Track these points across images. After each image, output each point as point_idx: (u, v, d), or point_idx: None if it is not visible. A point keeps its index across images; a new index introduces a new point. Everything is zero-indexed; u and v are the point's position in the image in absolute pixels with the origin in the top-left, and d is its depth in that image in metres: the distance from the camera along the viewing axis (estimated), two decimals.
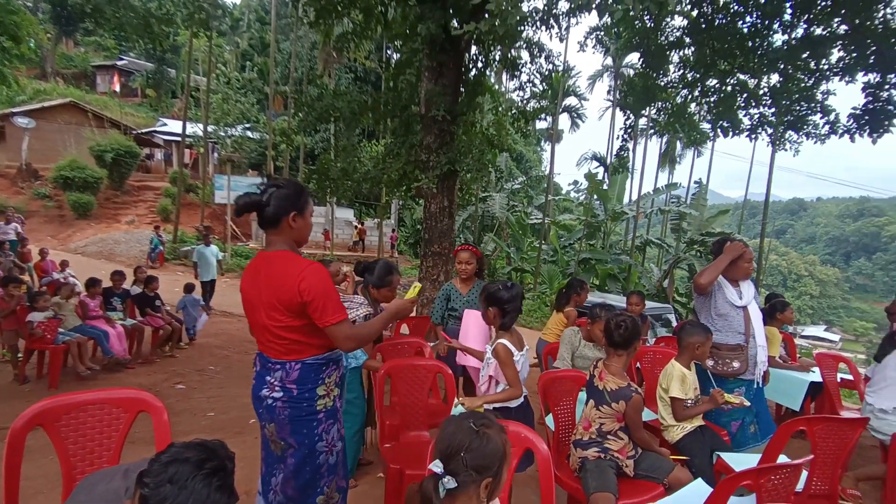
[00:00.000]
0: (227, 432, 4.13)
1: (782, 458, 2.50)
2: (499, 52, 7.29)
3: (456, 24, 5.73)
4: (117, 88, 31.70)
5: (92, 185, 19.92)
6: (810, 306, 55.28)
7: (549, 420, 3.01)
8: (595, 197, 22.49)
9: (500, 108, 8.71)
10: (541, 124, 29.99)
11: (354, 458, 3.16)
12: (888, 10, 6.84)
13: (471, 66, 7.23)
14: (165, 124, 26.49)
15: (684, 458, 2.79)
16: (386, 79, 8.56)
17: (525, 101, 8.23)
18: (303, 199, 1.99)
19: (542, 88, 8.23)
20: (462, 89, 6.94)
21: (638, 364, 4.15)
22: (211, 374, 6.10)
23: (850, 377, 4.53)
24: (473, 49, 7.04)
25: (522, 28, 6.32)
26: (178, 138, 20.67)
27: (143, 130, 26.18)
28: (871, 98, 7.36)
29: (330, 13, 6.89)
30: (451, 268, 6.97)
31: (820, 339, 38.45)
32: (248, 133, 24.41)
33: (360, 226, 24.34)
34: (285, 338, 1.92)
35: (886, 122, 7.32)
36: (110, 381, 5.44)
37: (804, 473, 2.21)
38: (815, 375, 4.41)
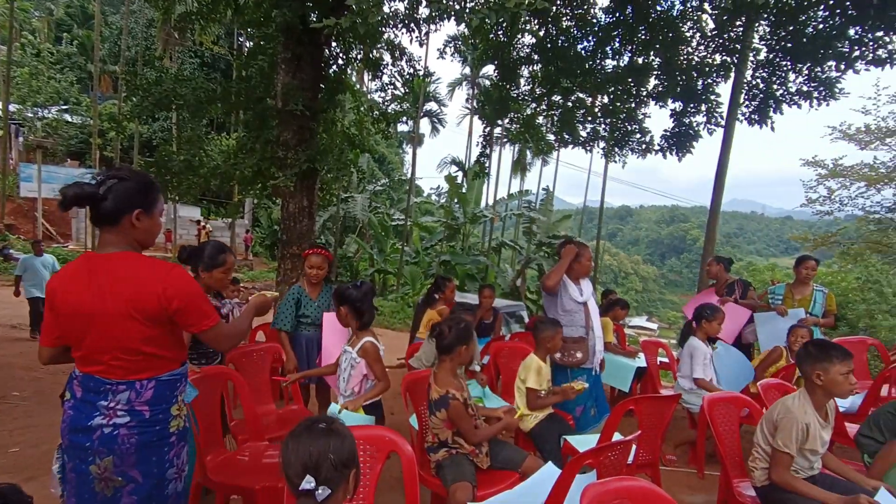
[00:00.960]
0: (34, 471, 3.45)
1: (617, 436, 2.80)
2: (360, 51, 7.18)
3: (314, 18, 5.51)
4: None
5: None
6: (635, 300, 63.71)
7: (413, 420, 3.01)
8: (455, 200, 23.40)
9: (361, 108, 8.59)
10: (402, 127, 30.41)
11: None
12: (689, 48, 8.17)
13: (331, 62, 7.02)
14: None
15: None
16: (237, 67, 7.94)
17: (387, 103, 8.23)
18: (151, 196, 1.72)
19: (403, 91, 8.31)
20: (322, 85, 6.70)
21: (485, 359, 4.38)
22: (15, 402, 5.07)
23: (667, 360, 5.29)
24: (334, 45, 6.84)
25: (384, 29, 6.31)
26: None
27: None
28: (677, 123, 8.73)
29: None
30: None
31: (642, 328, 44.47)
32: (67, 116, 20.92)
33: (202, 225, 22.10)
34: (143, 352, 1.65)
35: (689, 144, 8.74)
36: None
37: (633, 447, 2.49)
38: (641, 361, 5.06)
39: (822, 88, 7.40)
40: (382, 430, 2.15)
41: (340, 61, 7.19)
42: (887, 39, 6.39)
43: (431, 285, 5.37)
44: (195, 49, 23.81)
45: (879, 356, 5.36)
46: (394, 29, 6.18)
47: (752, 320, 4.89)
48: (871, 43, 6.52)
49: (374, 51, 7.34)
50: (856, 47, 6.68)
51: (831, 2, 6.44)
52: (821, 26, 6.80)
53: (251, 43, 8.05)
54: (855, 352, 3.01)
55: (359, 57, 7.31)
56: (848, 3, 6.24)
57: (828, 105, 7.54)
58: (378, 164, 31.46)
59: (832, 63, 7.06)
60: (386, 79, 7.79)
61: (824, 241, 9.53)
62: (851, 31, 6.58)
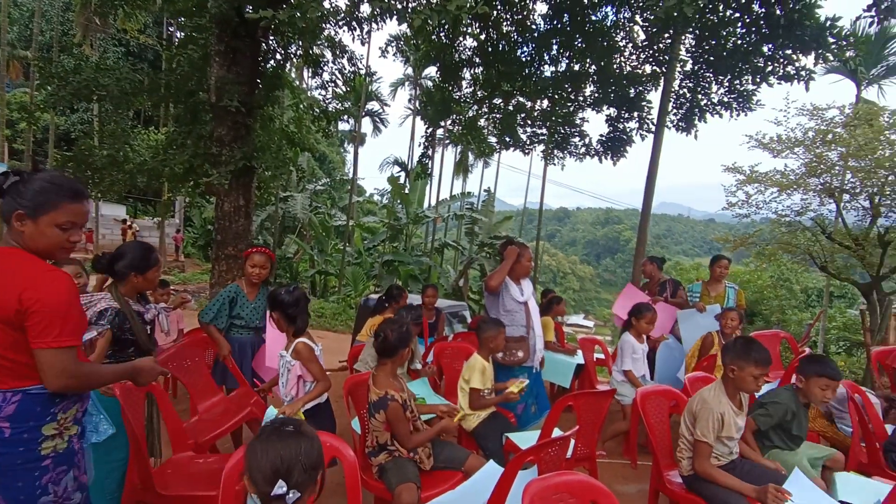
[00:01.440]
0: None
1: (557, 432, 2.87)
2: (300, 47, 6.99)
3: (250, 9, 5.30)
4: None
5: None
6: (573, 299, 65.94)
7: (356, 423, 2.96)
8: (398, 201, 23.29)
9: (301, 106, 8.38)
10: (344, 126, 29.88)
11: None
12: (622, 58, 8.56)
13: (269, 56, 6.79)
14: None
15: None
16: (166, 58, 7.52)
17: (328, 101, 8.07)
18: (40, 199, 1.52)
19: (344, 90, 8.17)
20: (259, 81, 6.47)
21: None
22: None
23: (603, 356, 5.49)
24: (272, 39, 6.62)
25: (325, 25, 6.18)
26: None
27: None
28: (612, 128, 9.13)
29: None
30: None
31: (580, 326, 46.12)
32: None
33: (128, 224, 20.66)
34: (7, 358, 1.46)
35: (622, 148, 9.17)
36: None
37: (572, 441, 2.57)
38: (580, 358, 5.23)
39: (740, 100, 7.99)
40: (323, 436, 2.09)
41: (279, 56, 6.97)
42: (795, 57, 6.99)
43: (385, 293, 5.33)
44: (119, 37, 22.33)
45: (790, 348, 5.83)
46: (335, 26, 6.07)
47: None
48: (781, 60, 7.12)
49: (315, 47, 7.17)
50: (769, 63, 7.26)
51: (748, 20, 6.96)
52: (739, 42, 7.34)
53: (182, 34, 7.63)
54: (769, 345, 3.26)
55: (298, 53, 7.12)
56: (762, 22, 6.76)
57: (745, 115, 8.14)
58: (319, 162, 30.76)
59: (749, 77, 7.64)
60: (326, 76, 7.64)
61: (743, 242, 10.23)
62: (765, 48, 7.14)
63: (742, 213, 9.64)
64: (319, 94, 8.06)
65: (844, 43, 6.53)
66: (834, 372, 2.68)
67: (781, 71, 7.19)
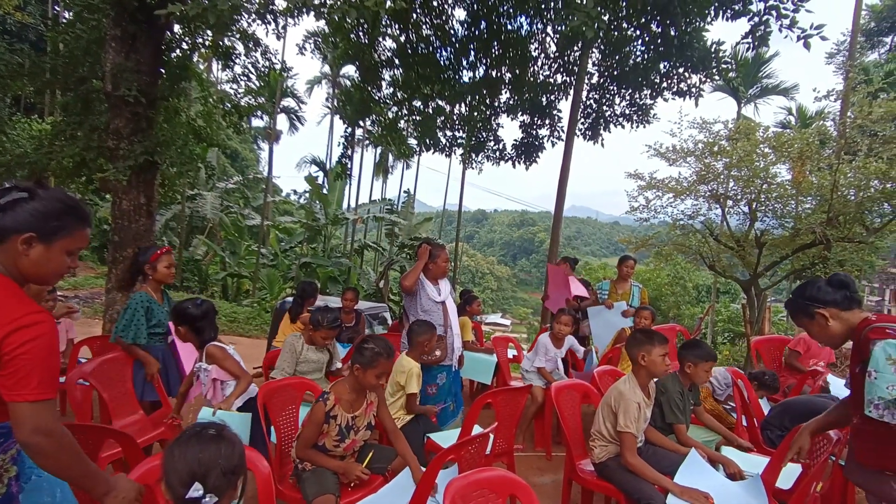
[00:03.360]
0: None
1: (477, 429, 2.96)
2: (208, 38, 6.59)
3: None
4: None
5: None
6: (491, 298, 67.67)
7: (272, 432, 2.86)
8: (316, 201, 22.64)
9: (210, 99, 7.90)
10: (258, 122, 28.57)
11: None
12: (536, 66, 8.94)
13: (174, 45, 6.34)
14: None
15: None
16: (51, 40, 6.78)
17: (239, 96, 7.67)
18: (58, 223, 1.39)
19: (258, 85, 7.82)
20: (163, 71, 6.03)
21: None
22: None
23: (517, 353, 5.71)
24: (177, 27, 6.19)
25: (237, 17, 5.88)
26: None
27: None
28: (525, 134, 9.50)
29: None
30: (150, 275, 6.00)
31: (497, 325, 47.42)
32: None
33: None
34: None
35: (535, 154, 9.57)
36: None
37: (491, 437, 2.66)
38: None
39: (639, 112, 8.64)
40: None
41: (185, 46, 6.53)
42: (686, 75, 7.71)
43: (298, 291, 5.22)
44: None
45: (685, 339, 6.40)
46: (248, 19, 5.79)
47: (587, 315, 5.54)
48: (675, 77, 7.81)
49: (226, 39, 6.80)
50: (664, 80, 7.94)
51: (647, 38, 7.56)
52: (639, 59, 7.95)
53: (71, 14, 6.92)
54: (667, 337, 3.56)
55: (207, 43, 6.71)
56: (659, 41, 7.37)
57: (644, 127, 8.82)
58: (230, 160, 29.14)
59: (647, 91, 8.30)
60: (238, 70, 7.25)
61: (643, 244, 11.07)
62: (662, 66, 7.79)
63: (643, 217, 10.42)
64: (231, 87, 7.64)
65: (726, 65, 7.30)
66: (713, 353, 3.07)
67: (675, 87, 7.91)
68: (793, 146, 8.41)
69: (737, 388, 3.65)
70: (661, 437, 2.89)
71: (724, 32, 10.01)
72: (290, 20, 6.34)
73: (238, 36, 6.79)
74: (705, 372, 2.97)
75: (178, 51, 6.45)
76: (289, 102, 29.41)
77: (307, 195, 26.14)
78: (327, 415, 2.42)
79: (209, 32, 6.28)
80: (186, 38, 6.46)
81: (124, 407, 3.21)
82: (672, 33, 7.05)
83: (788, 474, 2.53)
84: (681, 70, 7.68)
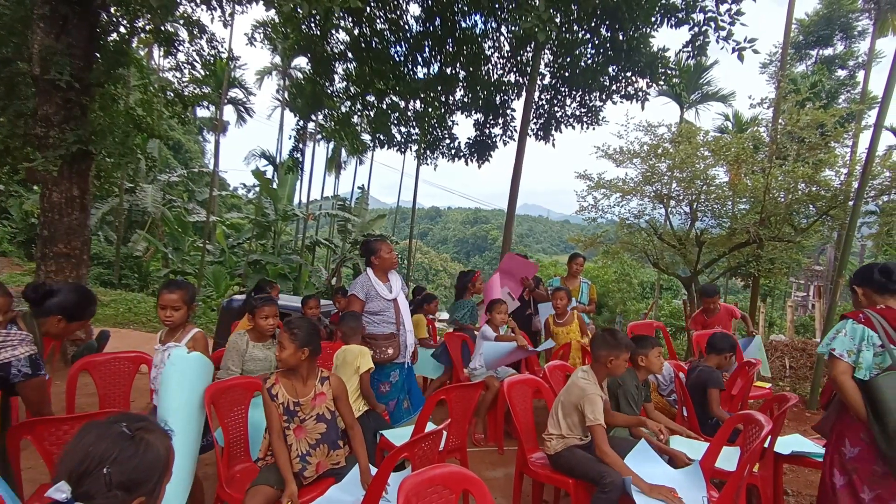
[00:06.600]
0: None
1: (431, 426, 2.95)
2: (149, 22, 6.24)
3: None
4: None
5: None
6: (445, 295, 68.02)
7: (219, 434, 2.75)
8: (265, 196, 21.97)
9: (150, 87, 7.50)
10: (203, 112, 27.44)
11: None
12: (490, 65, 9.02)
13: (110, 28, 5.98)
14: None
15: None
16: None
17: (183, 84, 7.31)
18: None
19: (203, 73, 7.48)
20: (98, 55, 5.67)
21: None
22: None
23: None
24: (113, 10, 5.83)
25: (180, 2, 5.62)
26: None
27: None
28: (479, 132, 9.57)
29: None
30: (84, 272, 5.65)
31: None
32: None
33: None
34: None
35: (488, 153, 9.67)
36: None
37: (444, 434, 2.66)
38: None
39: (589, 114, 8.88)
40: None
41: (123, 30, 6.16)
42: (633, 79, 7.99)
43: (254, 288, 5.06)
44: None
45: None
46: (191, 3, 5.53)
47: (538, 311, 5.66)
48: (623, 81, 8.08)
49: (168, 24, 6.47)
50: (613, 83, 8.20)
51: (596, 41, 7.78)
52: (590, 62, 8.16)
53: None
54: (634, 345, 3.78)
55: (147, 28, 6.36)
56: (608, 45, 7.60)
57: (594, 129, 9.07)
58: (173, 151, 27.80)
59: (597, 94, 8.54)
60: (182, 57, 6.91)
61: (592, 242, 11.42)
62: (611, 70, 8.04)
63: (591, 216, 10.75)
64: (174, 76, 7.26)
65: (671, 71, 7.63)
66: (656, 340, 3.33)
67: (623, 91, 8.18)
68: (730, 150, 8.90)
69: (678, 381, 3.83)
70: (621, 415, 3.01)
71: (669, 40, 10.45)
72: (237, 7, 6.11)
73: (182, 22, 6.47)
74: (657, 357, 3.17)
75: (115, 34, 6.08)
76: (237, 93, 28.40)
77: (256, 190, 25.32)
78: (269, 392, 2.37)
79: (149, 16, 5.95)
80: (124, 22, 6.09)
81: None
82: (620, 38, 7.29)
83: (732, 457, 2.76)
84: (629, 74, 7.96)
